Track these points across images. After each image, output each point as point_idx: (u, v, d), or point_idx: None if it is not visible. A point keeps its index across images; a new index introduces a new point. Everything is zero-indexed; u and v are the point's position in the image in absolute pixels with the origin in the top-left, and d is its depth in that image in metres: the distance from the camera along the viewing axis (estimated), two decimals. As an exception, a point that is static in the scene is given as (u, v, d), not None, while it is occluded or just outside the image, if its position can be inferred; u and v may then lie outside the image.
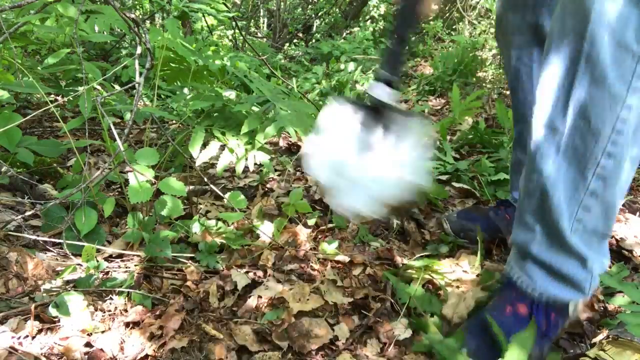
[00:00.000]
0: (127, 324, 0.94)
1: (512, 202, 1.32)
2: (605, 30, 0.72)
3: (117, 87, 2.17)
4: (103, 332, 0.92)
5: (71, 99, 1.48)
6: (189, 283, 1.09)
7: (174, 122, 2.02)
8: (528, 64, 1.15)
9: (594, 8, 0.72)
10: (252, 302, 1.04)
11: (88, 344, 0.89)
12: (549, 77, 0.81)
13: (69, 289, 1.01)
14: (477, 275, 1.15)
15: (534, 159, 0.85)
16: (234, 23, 3.00)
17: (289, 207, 1.33)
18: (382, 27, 5.45)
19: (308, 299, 1.04)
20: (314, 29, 5.83)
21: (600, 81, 0.75)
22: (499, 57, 3.73)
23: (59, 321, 0.92)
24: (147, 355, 0.88)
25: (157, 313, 0.98)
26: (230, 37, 4.78)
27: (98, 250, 1.15)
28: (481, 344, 0.87)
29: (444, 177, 1.75)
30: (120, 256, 1.19)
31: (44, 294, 1.00)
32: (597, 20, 0.72)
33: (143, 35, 1.36)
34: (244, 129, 1.39)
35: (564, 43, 0.77)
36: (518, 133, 1.25)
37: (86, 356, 0.86)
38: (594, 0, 0.72)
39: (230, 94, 1.70)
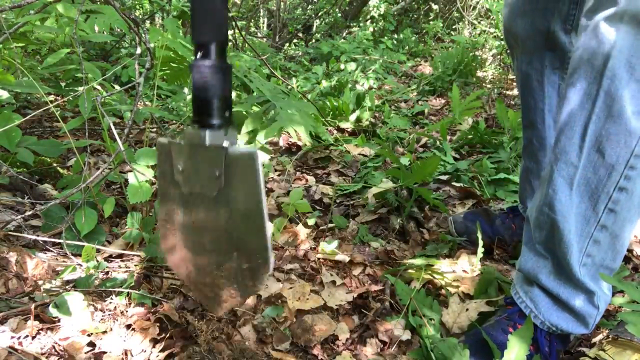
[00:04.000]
0: (127, 325, 0.94)
1: (520, 212, 1.31)
2: (625, 66, 0.73)
3: (117, 87, 2.17)
4: (104, 332, 0.92)
5: (71, 99, 1.48)
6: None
7: (174, 122, 2.02)
8: (539, 69, 1.14)
9: (615, 44, 0.72)
10: (251, 301, 1.04)
11: (91, 344, 0.89)
12: (567, 111, 0.80)
13: (69, 289, 1.01)
14: (477, 275, 1.15)
15: (546, 192, 0.84)
16: (233, 23, 3.00)
17: (289, 207, 1.33)
18: (382, 27, 5.45)
19: (308, 299, 1.04)
20: (314, 29, 5.83)
21: (617, 117, 0.75)
22: (499, 57, 3.73)
23: (59, 321, 0.92)
24: (148, 356, 0.88)
25: (158, 313, 0.98)
26: (230, 37, 4.77)
27: (98, 250, 1.15)
28: None
29: (444, 177, 1.75)
30: (120, 256, 1.19)
31: (44, 294, 1.00)
32: (618, 56, 0.72)
33: (143, 35, 1.36)
34: (245, 129, 1.39)
35: (583, 78, 0.77)
36: (527, 140, 1.23)
37: (88, 355, 0.86)
38: (616, 36, 0.72)
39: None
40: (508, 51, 1.27)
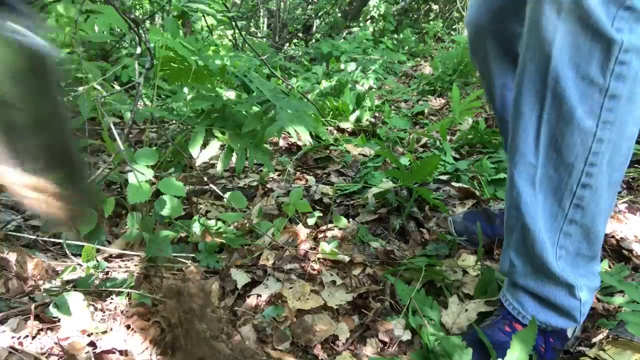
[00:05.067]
0: (127, 325, 0.94)
1: None
2: (569, 65, 0.70)
3: (117, 87, 2.17)
4: (104, 332, 0.92)
5: (71, 99, 1.48)
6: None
7: (174, 122, 2.02)
8: (513, 89, 1.14)
9: (554, 44, 0.70)
10: (252, 301, 1.04)
11: (91, 344, 0.88)
12: (518, 113, 0.79)
13: (69, 289, 1.01)
14: (477, 276, 1.15)
15: (510, 196, 0.84)
16: (233, 23, 3.00)
17: (289, 207, 1.33)
18: (382, 27, 5.45)
19: (308, 299, 1.04)
20: (314, 29, 5.83)
21: (568, 117, 0.73)
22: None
23: (59, 321, 0.92)
24: (148, 356, 0.88)
25: (158, 313, 0.98)
26: (230, 37, 4.78)
27: (98, 250, 1.14)
28: None
29: (444, 177, 1.75)
30: (120, 256, 1.19)
31: (44, 294, 1.00)
32: (559, 55, 0.70)
33: (143, 35, 1.36)
34: (245, 128, 1.39)
35: (529, 79, 0.76)
36: None
37: (88, 355, 0.86)
38: (554, 35, 0.70)
39: (230, 94, 1.70)
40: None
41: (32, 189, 0.50)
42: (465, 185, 1.65)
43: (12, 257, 1.05)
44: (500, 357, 0.84)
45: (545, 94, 0.74)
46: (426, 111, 2.86)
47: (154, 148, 1.25)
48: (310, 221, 1.40)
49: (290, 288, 1.07)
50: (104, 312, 0.97)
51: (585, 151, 0.75)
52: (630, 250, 1.28)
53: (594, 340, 0.96)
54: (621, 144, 0.76)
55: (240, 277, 1.11)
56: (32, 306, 0.90)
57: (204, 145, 1.37)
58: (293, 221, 1.41)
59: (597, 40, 0.69)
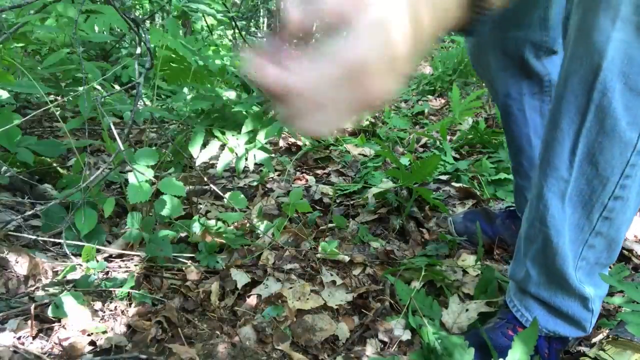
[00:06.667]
0: (127, 325, 0.94)
1: (519, 216, 1.29)
2: (618, 77, 0.68)
3: (117, 87, 2.17)
4: (104, 332, 0.92)
5: (71, 99, 1.48)
6: (188, 283, 1.09)
7: (174, 122, 2.02)
8: (518, 98, 1.11)
9: (606, 55, 0.67)
10: (252, 301, 1.04)
11: (91, 344, 0.89)
12: (555, 127, 0.77)
13: (69, 289, 1.01)
14: (477, 276, 1.15)
15: (536, 207, 0.82)
16: (233, 23, 3.00)
17: (289, 207, 1.32)
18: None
19: (308, 298, 1.04)
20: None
21: (610, 130, 0.71)
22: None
23: (59, 321, 0.92)
24: (148, 356, 0.88)
25: (158, 313, 0.98)
26: (230, 37, 4.78)
27: (98, 250, 1.15)
28: None
29: (444, 177, 1.75)
30: (120, 256, 1.19)
31: (44, 294, 1.00)
32: (609, 67, 0.68)
33: (143, 35, 1.36)
34: (245, 128, 1.39)
35: (571, 91, 0.73)
36: (516, 163, 1.21)
37: (88, 355, 0.86)
38: (606, 45, 0.67)
39: (230, 94, 1.70)
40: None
41: None
42: (465, 185, 1.66)
43: (12, 257, 1.05)
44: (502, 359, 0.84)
45: (588, 107, 0.72)
46: (426, 111, 2.86)
47: (154, 148, 1.25)
48: (310, 221, 1.40)
49: (290, 288, 1.07)
50: (104, 312, 0.97)
51: (623, 163, 0.74)
52: (630, 250, 1.28)
53: (594, 340, 0.96)
54: None
55: (240, 277, 1.11)
56: (32, 306, 0.90)
57: (204, 145, 1.37)
58: (293, 221, 1.41)
59: None
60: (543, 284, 0.86)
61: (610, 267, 1.21)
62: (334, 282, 1.12)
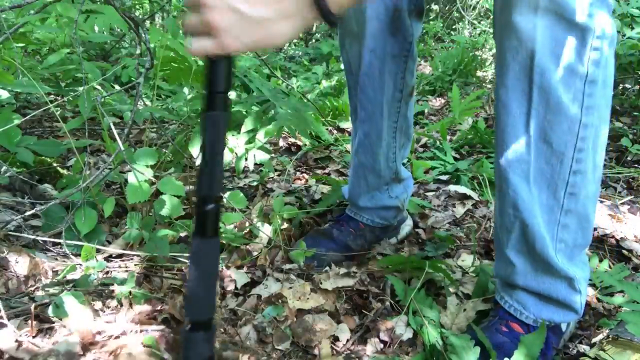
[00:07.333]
0: (128, 324, 0.94)
1: (351, 216, 1.26)
2: (551, 58, 0.75)
3: (117, 87, 2.17)
4: (104, 332, 0.92)
5: (71, 99, 1.48)
6: (189, 283, 1.09)
7: (174, 122, 2.02)
8: (381, 57, 1.06)
9: (536, 40, 0.74)
10: (252, 301, 1.04)
11: (92, 343, 0.88)
12: (507, 113, 0.82)
13: (69, 288, 1.01)
14: (476, 275, 1.15)
15: (505, 194, 0.86)
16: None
17: (274, 218, 1.29)
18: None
19: (308, 298, 1.04)
20: (314, 28, 5.83)
21: (556, 107, 0.78)
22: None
23: (59, 321, 0.92)
24: (149, 355, 0.88)
25: (158, 313, 0.98)
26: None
27: (98, 250, 1.14)
28: None
29: (444, 177, 1.75)
30: (120, 256, 1.19)
31: (44, 294, 1.00)
32: (541, 50, 0.75)
33: (143, 35, 1.36)
34: (244, 128, 1.39)
35: (514, 78, 0.79)
36: (364, 134, 1.16)
37: (88, 355, 0.86)
38: (534, 32, 0.74)
39: (230, 94, 1.70)
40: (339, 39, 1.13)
41: None
42: (460, 190, 1.62)
43: (12, 257, 1.05)
44: (500, 358, 0.84)
45: (532, 89, 0.78)
46: (426, 111, 2.86)
47: (154, 148, 1.25)
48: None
49: (290, 288, 1.07)
50: (104, 312, 0.97)
51: (573, 138, 0.79)
52: (630, 250, 1.28)
53: (594, 340, 0.96)
54: (601, 126, 0.81)
55: (240, 277, 1.11)
56: (32, 306, 0.90)
57: (204, 145, 1.36)
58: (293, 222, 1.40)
59: (573, 29, 0.73)
60: (529, 272, 0.88)
61: (610, 267, 1.21)
62: (337, 273, 1.11)
